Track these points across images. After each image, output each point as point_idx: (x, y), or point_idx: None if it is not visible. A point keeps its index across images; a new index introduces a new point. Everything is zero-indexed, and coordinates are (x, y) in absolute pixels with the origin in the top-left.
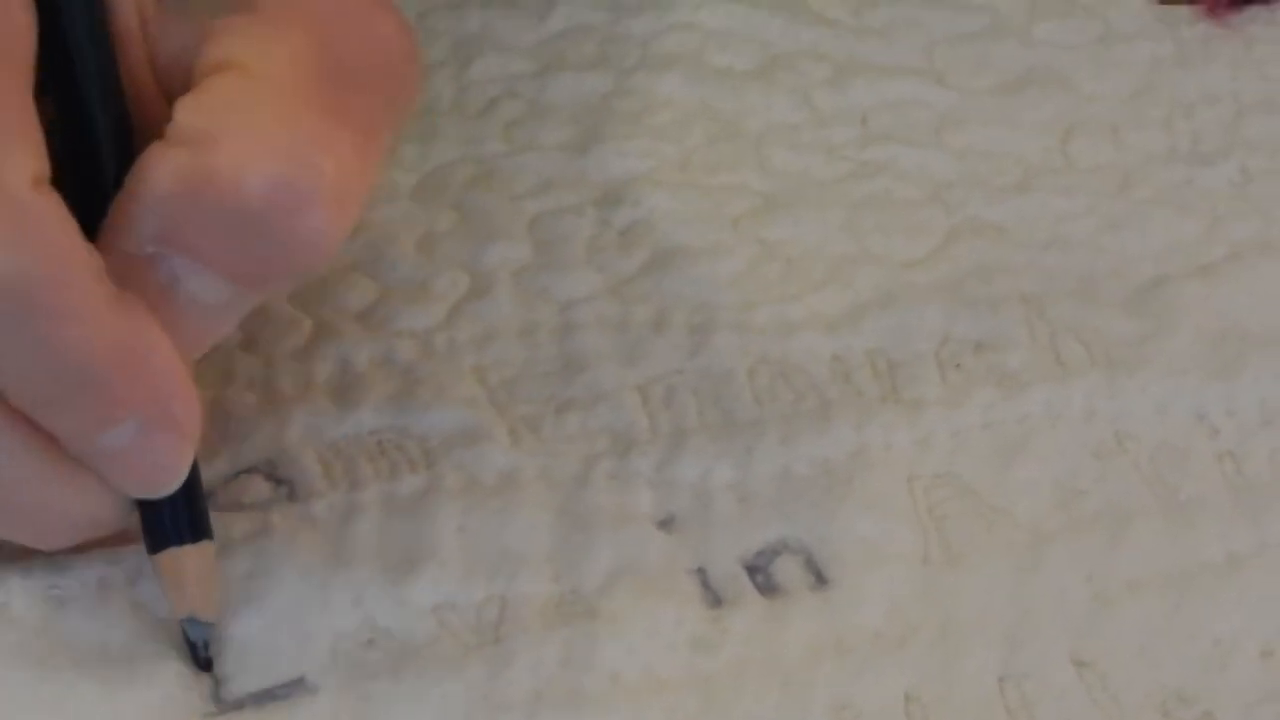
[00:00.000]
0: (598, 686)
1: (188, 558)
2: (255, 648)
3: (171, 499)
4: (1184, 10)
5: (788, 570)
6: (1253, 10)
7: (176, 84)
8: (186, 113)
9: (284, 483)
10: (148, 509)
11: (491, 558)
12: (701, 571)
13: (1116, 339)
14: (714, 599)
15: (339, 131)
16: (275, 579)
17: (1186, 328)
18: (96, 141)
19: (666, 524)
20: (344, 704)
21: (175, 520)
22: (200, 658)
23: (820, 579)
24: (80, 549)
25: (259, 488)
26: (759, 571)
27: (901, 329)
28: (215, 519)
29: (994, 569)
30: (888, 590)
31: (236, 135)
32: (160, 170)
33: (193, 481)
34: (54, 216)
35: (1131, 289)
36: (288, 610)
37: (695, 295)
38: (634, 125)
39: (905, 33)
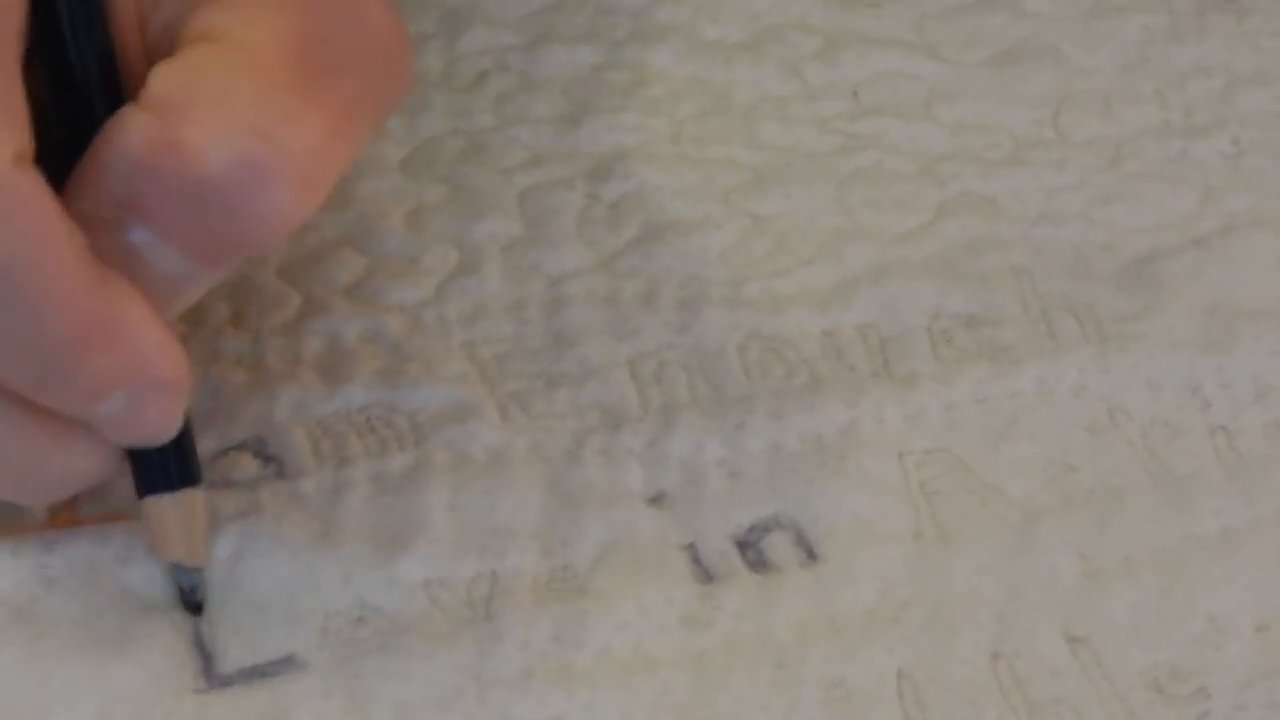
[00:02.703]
0: (588, 663)
1: (173, 504)
2: (245, 625)
3: (160, 447)
4: None
5: (778, 547)
6: None
7: (164, 55)
8: (159, 80)
9: (273, 460)
10: (136, 457)
11: (481, 534)
12: (692, 548)
13: (1109, 313)
14: (705, 575)
15: (312, 113)
16: (264, 557)
17: (1179, 301)
18: (88, 112)
19: (657, 500)
20: (334, 681)
21: (163, 468)
22: (189, 602)
23: (811, 555)
24: (69, 526)
25: (247, 465)
26: (750, 548)
27: (893, 304)
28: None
29: (986, 546)
30: (879, 568)
31: (205, 106)
32: (125, 134)
33: (181, 430)
34: (34, 195)
35: (1124, 263)
36: (277, 588)
37: (685, 270)
38: (624, 98)
39: (895, 5)
